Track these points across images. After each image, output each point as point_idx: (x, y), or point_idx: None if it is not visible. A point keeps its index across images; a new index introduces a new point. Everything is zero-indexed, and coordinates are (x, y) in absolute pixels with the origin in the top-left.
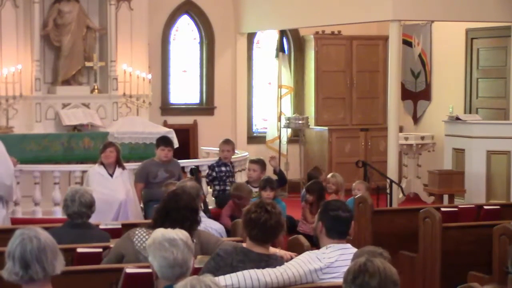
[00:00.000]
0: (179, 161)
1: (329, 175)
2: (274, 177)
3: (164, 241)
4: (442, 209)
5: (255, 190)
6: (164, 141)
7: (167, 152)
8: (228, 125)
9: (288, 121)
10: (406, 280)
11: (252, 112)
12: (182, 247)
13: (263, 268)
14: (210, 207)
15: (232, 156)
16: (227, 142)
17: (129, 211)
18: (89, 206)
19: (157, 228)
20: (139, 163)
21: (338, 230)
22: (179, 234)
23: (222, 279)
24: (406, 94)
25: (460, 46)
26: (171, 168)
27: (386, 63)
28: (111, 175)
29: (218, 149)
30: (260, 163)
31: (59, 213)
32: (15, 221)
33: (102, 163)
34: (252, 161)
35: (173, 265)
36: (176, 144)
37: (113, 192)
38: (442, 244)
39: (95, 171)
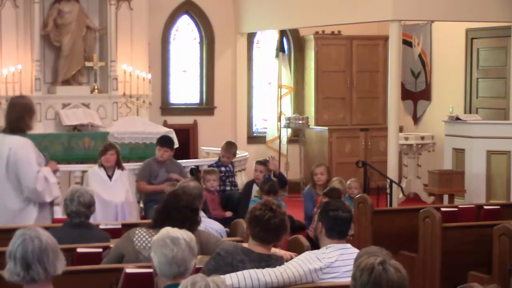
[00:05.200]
0: (179, 161)
1: (335, 179)
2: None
3: (167, 238)
4: (442, 209)
5: None
6: (160, 141)
7: (163, 152)
8: (228, 125)
9: (288, 121)
10: None
11: (252, 112)
12: (183, 246)
13: (264, 268)
14: None
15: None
16: (227, 148)
17: (127, 212)
18: (88, 206)
19: (157, 228)
20: (139, 163)
21: (338, 230)
22: (183, 234)
23: None
24: (406, 94)
25: (460, 46)
26: (172, 168)
27: (386, 63)
28: (110, 177)
29: (219, 148)
30: (265, 164)
31: (59, 213)
32: None
33: (102, 165)
34: (259, 162)
35: (171, 263)
36: (176, 144)
37: (111, 195)
38: (442, 244)
39: (95, 172)
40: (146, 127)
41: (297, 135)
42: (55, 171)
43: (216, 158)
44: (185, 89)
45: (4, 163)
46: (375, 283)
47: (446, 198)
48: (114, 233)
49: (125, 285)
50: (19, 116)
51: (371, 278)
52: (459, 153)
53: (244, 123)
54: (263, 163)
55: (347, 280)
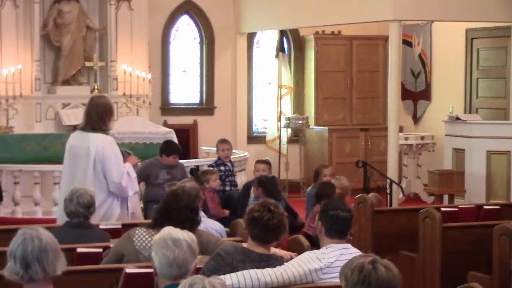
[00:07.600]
0: (179, 161)
1: (333, 179)
2: None
3: (168, 239)
4: (442, 209)
5: None
6: (170, 149)
7: (172, 159)
8: (228, 125)
9: (288, 121)
10: (406, 280)
11: (252, 112)
12: (185, 248)
13: (263, 268)
14: None
15: (231, 155)
16: (224, 141)
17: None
18: (87, 206)
19: (157, 228)
20: (139, 163)
21: (338, 230)
22: (185, 235)
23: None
24: (406, 94)
25: (460, 46)
26: (174, 170)
27: (386, 63)
28: None
29: (216, 149)
30: (268, 163)
31: None
32: (15, 221)
33: None
34: (260, 161)
35: (172, 264)
36: None
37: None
38: (442, 244)
39: None
40: (146, 127)
41: (297, 135)
42: (135, 165)
43: (216, 158)
44: (185, 89)
45: (91, 160)
46: (364, 282)
47: (446, 198)
48: (114, 233)
49: (125, 285)
50: (100, 116)
51: (361, 277)
52: (459, 153)
53: (244, 123)
54: (265, 161)
55: None
